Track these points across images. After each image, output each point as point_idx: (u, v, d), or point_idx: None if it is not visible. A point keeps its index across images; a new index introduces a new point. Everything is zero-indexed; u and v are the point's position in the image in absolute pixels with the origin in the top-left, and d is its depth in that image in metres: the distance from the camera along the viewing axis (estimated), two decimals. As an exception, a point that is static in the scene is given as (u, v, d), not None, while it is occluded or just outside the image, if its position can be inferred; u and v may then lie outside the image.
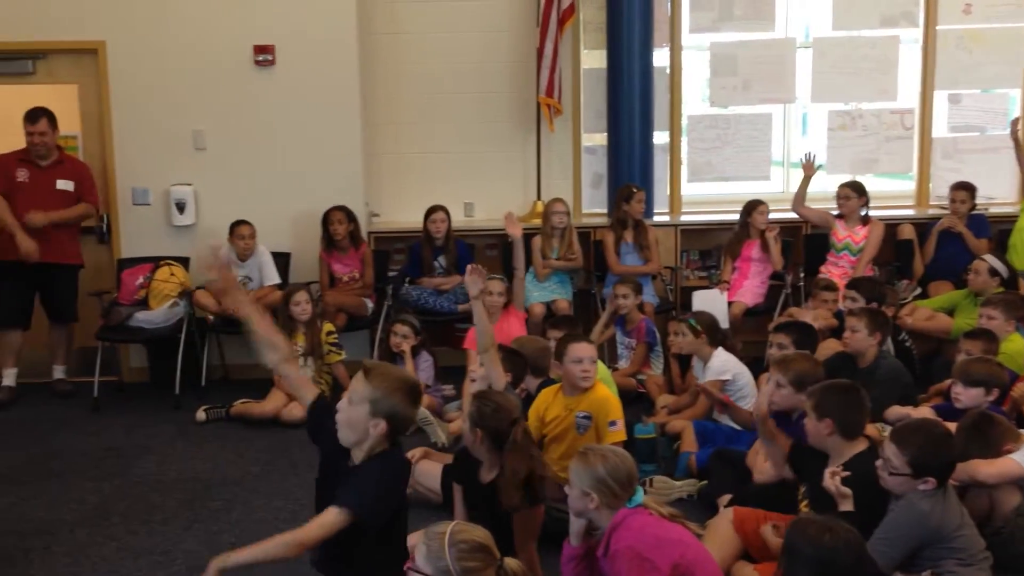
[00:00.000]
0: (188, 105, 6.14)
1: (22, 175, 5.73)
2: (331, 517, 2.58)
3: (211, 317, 5.89)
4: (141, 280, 5.88)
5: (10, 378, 5.85)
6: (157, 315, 5.80)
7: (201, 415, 5.40)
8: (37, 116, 5.69)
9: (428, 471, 3.98)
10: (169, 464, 4.74)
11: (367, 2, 6.44)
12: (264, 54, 6.12)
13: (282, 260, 6.17)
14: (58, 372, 6.03)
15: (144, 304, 5.84)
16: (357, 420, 2.66)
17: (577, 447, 3.19)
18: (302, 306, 5.47)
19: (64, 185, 5.79)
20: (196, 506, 4.19)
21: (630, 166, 6.58)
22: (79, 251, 5.98)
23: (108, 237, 6.28)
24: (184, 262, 6.04)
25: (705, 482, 4.09)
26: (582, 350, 3.87)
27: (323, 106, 6.19)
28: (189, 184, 6.20)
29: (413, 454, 4.00)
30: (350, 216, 6.07)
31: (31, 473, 4.63)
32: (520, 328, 5.47)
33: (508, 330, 5.23)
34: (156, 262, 5.96)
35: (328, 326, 5.61)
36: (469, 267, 3.87)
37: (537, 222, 6.36)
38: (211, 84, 6.14)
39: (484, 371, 3.81)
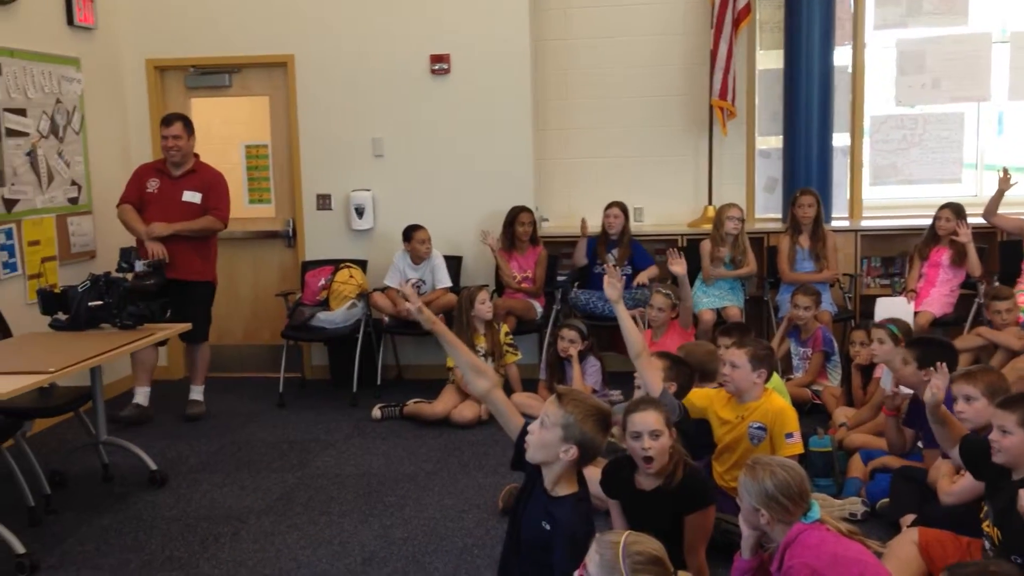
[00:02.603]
0: (368, 114, 6.40)
1: (152, 185, 5.55)
2: None
3: (386, 318, 6.09)
4: (323, 282, 6.14)
5: (142, 396, 5.63)
6: (337, 315, 6.04)
7: (376, 413, 5.60)
8: (172, 119, 5.53)
9: (591, 477, 3.95)
10: (347, 459, 4.94)
11: (540, 9, 6.52)
12: (440, 63, 6.29)
13: (454, 264, 6.32)
14: (195, 392, 5.79)
15: (325, 305, 6.10)
16: (549, 443, 2.69)
17: (749, 458, 3.09)
18: (486, 305, 5.59)
19: (190, 197, 5.55)
20: (371, 500, 4.34)
21: (807, 169, 6.36)
22: (210, 268, 5.73)
23: (294, 241, 6.61)
24: (362, 265, 6.29)
25: (862, 505, 3.90)
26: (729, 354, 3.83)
27: (496, 113, 6.30)
28: (368, 190, 6.44)
29: None
30: (533, 217, 6.18)
31: (222, 463, 4.92)
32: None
33: (670, 347, 5.12)
34: (336, 264, 6.22)
35: (505, 327, 5.72)
36: (607, 278, 3.80)
37: (708, 227, 6.24)
38: (389, 93, 6.36)
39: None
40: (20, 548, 3.64)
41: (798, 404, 4.32)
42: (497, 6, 6.23)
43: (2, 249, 5.22)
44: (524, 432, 2.82)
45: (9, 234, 5.28)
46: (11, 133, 5.29)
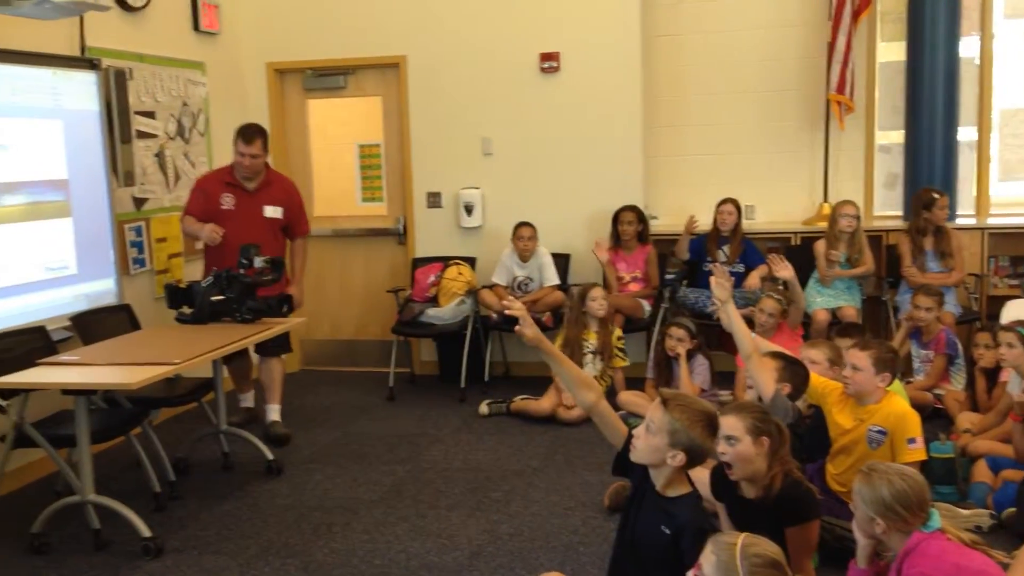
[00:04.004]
0: (477, 113, 6.46)
1: (227, 202, 5.13)
2: None
3: (494, 315, 6.14)
4: (432, 278, 6.24)
5: (248, 399, 5.67)
6: (445, 312, 6.12)
7: (484, 409, 5.65)
8: (253, 136, 5.09)
9: (701, 478, 3.90)
10: (454, 453, 5.00)
11: (651, 5, 6.45)
12: (549, 61, 6.30)
13: (562, 261, 6.32)
14: (273, 413, 5.41)
15: (434, 301, 6.19)
16: (656, 448, 2.66)
17: (867, 462, 2.99)
18: (598, 302, 5.58)
19: (272, 212, 5.22)
20: (479, 495, 4.38)
21: (930, 165, 6.12)
22: (288, 278, 5.37)
23: (404, 238, 6.73)
24: (471, 262, 6.35)
25: (989, 518, 3.72)
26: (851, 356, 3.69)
27: (605, 110, 6.27)
28: (477, 188, 6.51)
29: None
30: (640, 216, 6.12)
31: (335, 454, 5.05)
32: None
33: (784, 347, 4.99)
34: (446, 262, 6.31)
35: (618, 330, 5.68)
36: (714, 278, 3.74)
37: (822, 225, 6.07)
38: (499, 92, 6.41)
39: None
40: (146, 531, 3.82)
41: (919, 408, 4.15)
42: (607, 4, 6.20)
43: (132, 246, 5.48)
44: (629, 439, 2.80)
45: (139, 231, 5.54)
46: (141, 135, 5.55)
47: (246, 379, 5.67)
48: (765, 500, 3.03)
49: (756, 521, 3.01)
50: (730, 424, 3.01)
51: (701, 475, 3.87)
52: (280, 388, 5.43)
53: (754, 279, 5.88)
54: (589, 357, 5.57)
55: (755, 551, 2.23)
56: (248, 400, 5.67)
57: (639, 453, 2.70)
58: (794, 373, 3.74)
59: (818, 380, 3.79)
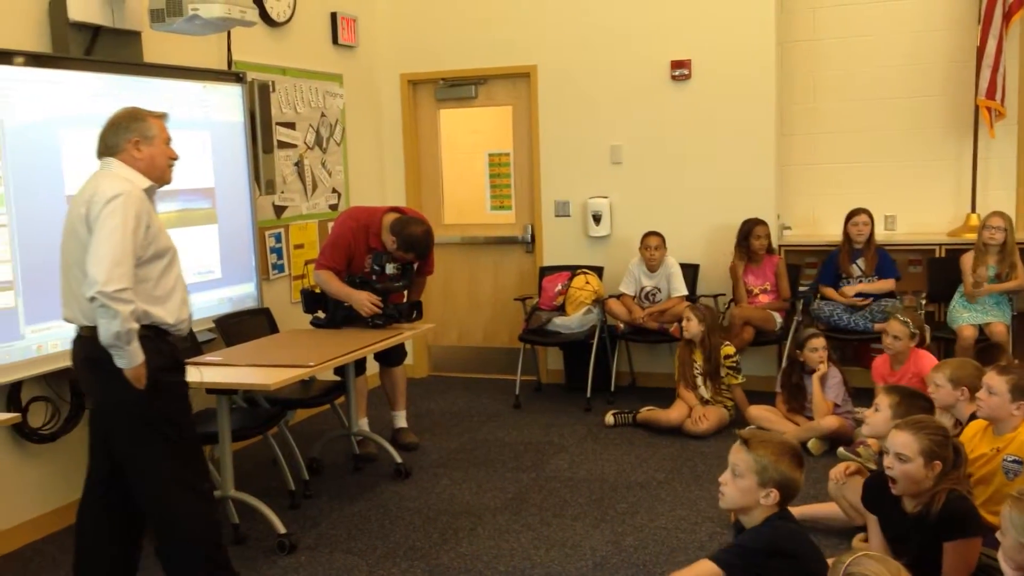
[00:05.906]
0: (607, 121, 6.44)
1: (369, 264, 4.91)
2: (704, 569, 2.61)
3: (621, 325, 6.10)
4: (559, 287, 6.25)
5: (364, 424, 5.27)
6: (572, 321, 6.12)
7: (609, 419, 5.62)
8: (425, 254, 4.96)
9: (859, 488, 3.77)
10: (579, 463, 4.99)
11: (786, 10, 6.30)
12: (681, 69, 6.23)
13: (690, 271, 6.23)
14: (399, 420, 5.41)
15: (562, 310, 6.20)
16: (747, 490, 2.63)
17: (1005, 493, 2.83)
18: (684, 323, 5.49)
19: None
20: (603, 505, 4.36)
21: (1089, 174, 5.75)
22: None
23: (532, 246, 6.77)
24: (599, 271, 6.33)
25: None
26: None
27: (737, 118, 6.15)
28: (605, 196, 6.48)
29: (848, 467, 3.82)
30: (768, 230, 6.00)
31: (461, 460, 5.12)
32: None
33: (917, 372, 4.73)
34: (573, 271, 6.30)
35: (727, 349, 5.53)
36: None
37: (970, 237, 5.79)
38: (629, 100, 6.37)
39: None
40: (282, 528, 3.96)
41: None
42: (741, 10, 6.08)
43: (272, 251, 5.71)
44: None
45: (278, 238, 5.77)
46: (282, 145, 5.77)
47: (365, 401, 5.39)
48: (925, 516, 2.91)
49: (912, 535, 2.89)
50: (903, 441, 2.90)
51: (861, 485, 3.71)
52: (404, 394, 5.42)
53: (872, 289, 5.64)
54: (700, 379, 5.47)
55: (855, 569, 2.16)
56: (364, 425, 5.29)
57: (729, 499, 2.67)
58: (922, 409, 3.57)
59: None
